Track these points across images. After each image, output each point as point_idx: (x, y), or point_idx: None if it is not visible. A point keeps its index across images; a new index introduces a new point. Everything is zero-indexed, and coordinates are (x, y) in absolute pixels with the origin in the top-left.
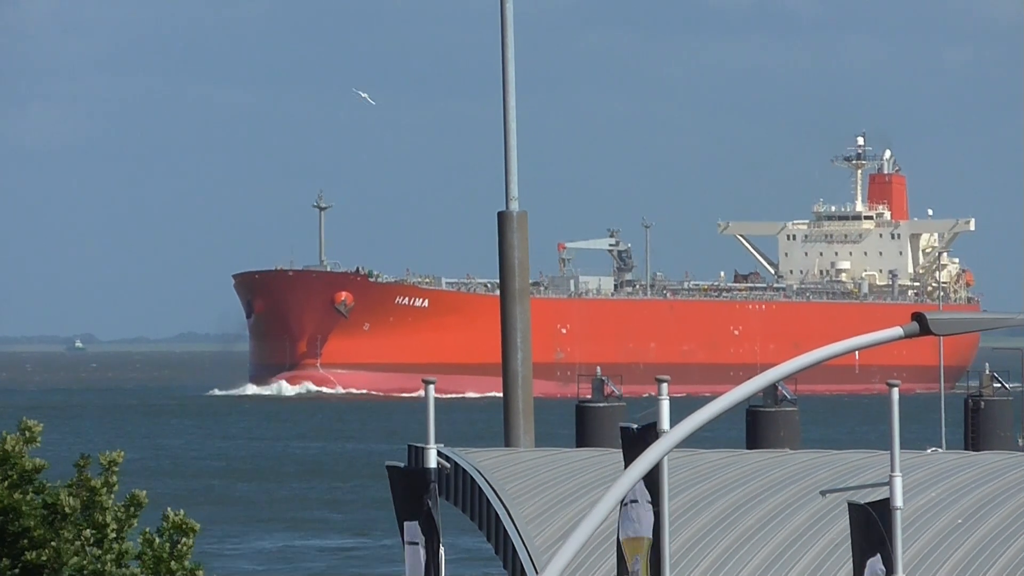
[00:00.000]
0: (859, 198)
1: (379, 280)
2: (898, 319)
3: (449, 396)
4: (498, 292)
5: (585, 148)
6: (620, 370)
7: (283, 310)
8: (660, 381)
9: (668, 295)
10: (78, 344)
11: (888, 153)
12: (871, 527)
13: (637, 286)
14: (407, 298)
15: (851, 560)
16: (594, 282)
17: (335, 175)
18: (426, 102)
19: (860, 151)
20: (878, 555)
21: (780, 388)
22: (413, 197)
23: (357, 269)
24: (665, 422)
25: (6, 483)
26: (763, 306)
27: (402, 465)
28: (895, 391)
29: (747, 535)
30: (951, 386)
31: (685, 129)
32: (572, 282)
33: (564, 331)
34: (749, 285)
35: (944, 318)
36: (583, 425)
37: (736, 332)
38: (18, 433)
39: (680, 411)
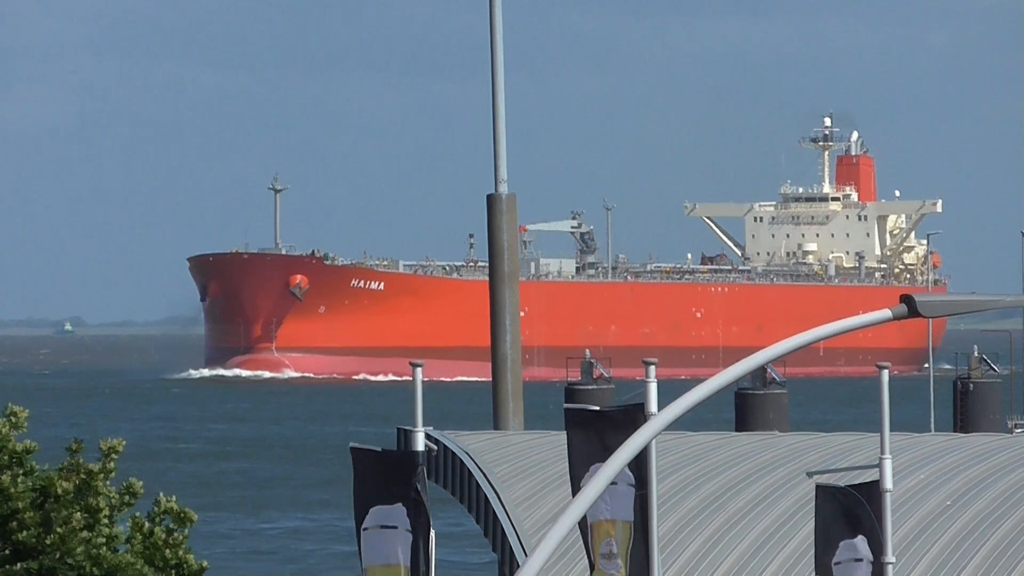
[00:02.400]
0: (826, 180)
1: (334, 263)
2: (863, 301)
3: (405, 379)
4: (455, 276)
5: (551, 129)
6: (578, 353)
7: (237, 293)
8: (648, 364)
9: (629, 277)
10: (67, 327)
11: (855, 134)
12: (848, 510)
13: (599, 268)
14: (362, 281)
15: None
16: (555, 264)
17: (300, 157)
18: (389, 83)
19: (827, 132)
20: (860, 537)
21: (769, 370)
22: (374, 180)
23: (312, 252)
24: (653, 404)
25: None
26: (726, 288)
27: (378, 448)
28: (885, 373)
29: (736, 518)
30: (917, 368)
31: (654, 110)
32: (533, 264)
33: (522, 314)
34: (712, 267)
35: (933, 300)
36: None
37: (698, 315)
38: (4, 418)
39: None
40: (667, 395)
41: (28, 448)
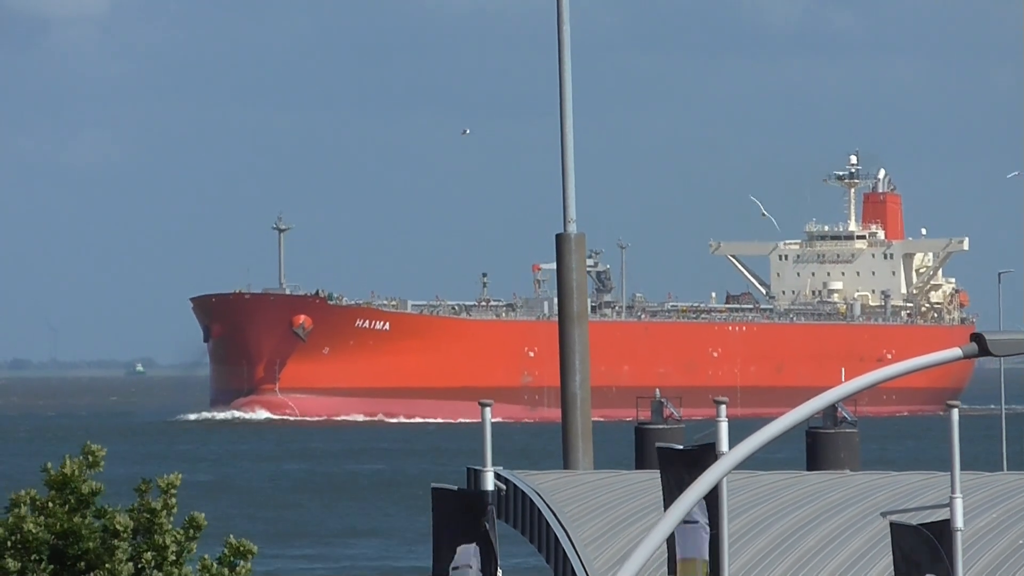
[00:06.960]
0: (852, 218)
1: (339, 303)
2: (886, 340)
3: (412, 421)
4: (464, 315)
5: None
6: (592, 394)
7: (241, 334)
8: (718, 403)
9: (644, 317)
10: (139, 368)
11: (882, 172)
12: (916, 547)
13: (614, 308)
14: (368, 321)
15: None
16: None
17: (314, 195)
18: (399, 119)
19: (853, 170)
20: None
21: (840, 409)
22: (384, 218)
23: (316, 292)
24: (724, 443)
25: (65, 507)
26: (744, 328)
27: (455, 488)
28: (955, 412)
29: (806, 557)
30: (942, 407)
31: (679, 148)
32: (546, 304)
33: (531, 354)
34: (730, 307)
35: (1004, 339)
36: (642, 447)
37: (715, 354)
38: (80, 457)
39: None
40: (693, 432)
41: (94, 490)
